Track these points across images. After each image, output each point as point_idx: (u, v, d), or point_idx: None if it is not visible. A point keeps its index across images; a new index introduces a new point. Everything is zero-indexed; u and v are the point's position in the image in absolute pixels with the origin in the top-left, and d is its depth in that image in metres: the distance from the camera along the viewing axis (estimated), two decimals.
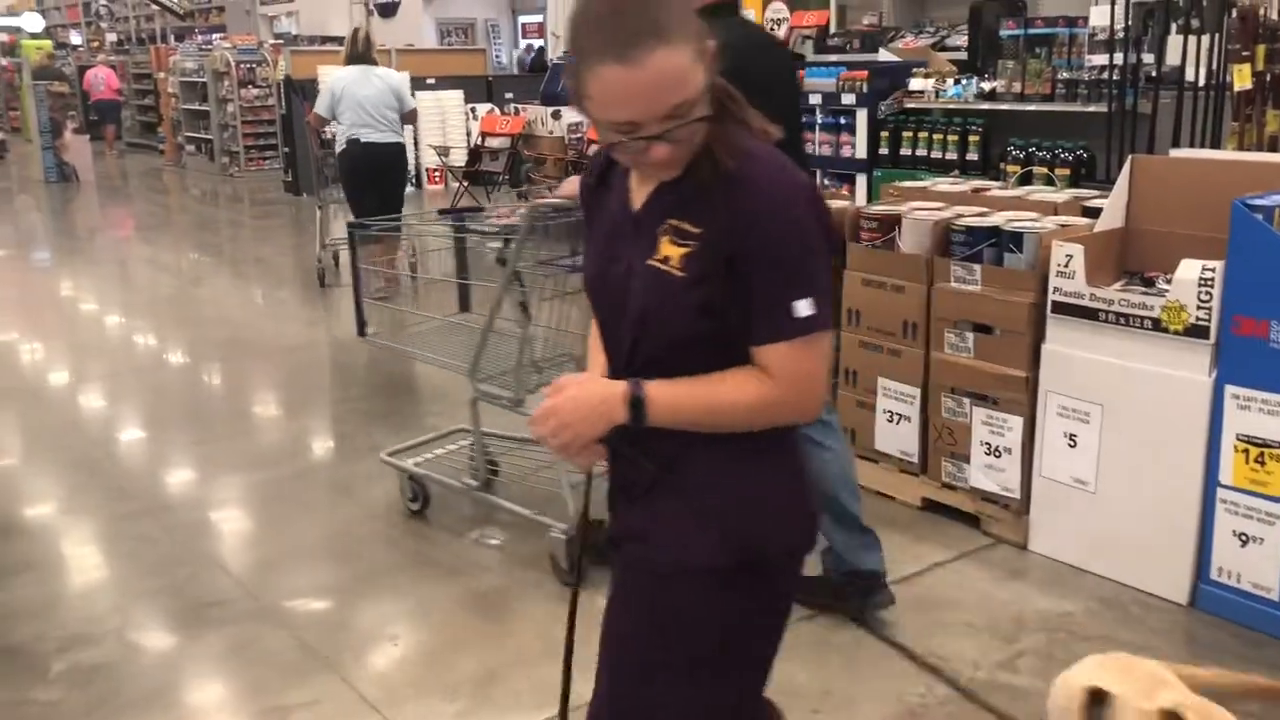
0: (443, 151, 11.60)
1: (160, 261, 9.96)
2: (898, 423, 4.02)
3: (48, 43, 22.52)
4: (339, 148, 7.45)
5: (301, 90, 12.22)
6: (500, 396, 3.64)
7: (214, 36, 20.20)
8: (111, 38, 24.35)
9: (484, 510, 4.04)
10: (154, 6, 21.48)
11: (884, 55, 8.39)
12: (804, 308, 1.49)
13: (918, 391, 3.94)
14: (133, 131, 20.29)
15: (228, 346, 6.58)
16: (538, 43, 19.81)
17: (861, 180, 6.78)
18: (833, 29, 11.60)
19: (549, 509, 3.61)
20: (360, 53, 7.44)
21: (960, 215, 3.90)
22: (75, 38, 26.33)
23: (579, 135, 10.19)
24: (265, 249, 10.38)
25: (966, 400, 3.78)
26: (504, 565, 3.71)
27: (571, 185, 3.43)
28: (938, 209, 4.04)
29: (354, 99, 7.22)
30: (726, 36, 1.64)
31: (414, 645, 3.26)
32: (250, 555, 3.90)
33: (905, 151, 6.64)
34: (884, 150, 6.72)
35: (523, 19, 20.81)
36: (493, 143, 10.82)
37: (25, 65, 16.77)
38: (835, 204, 4.32)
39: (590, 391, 1.58)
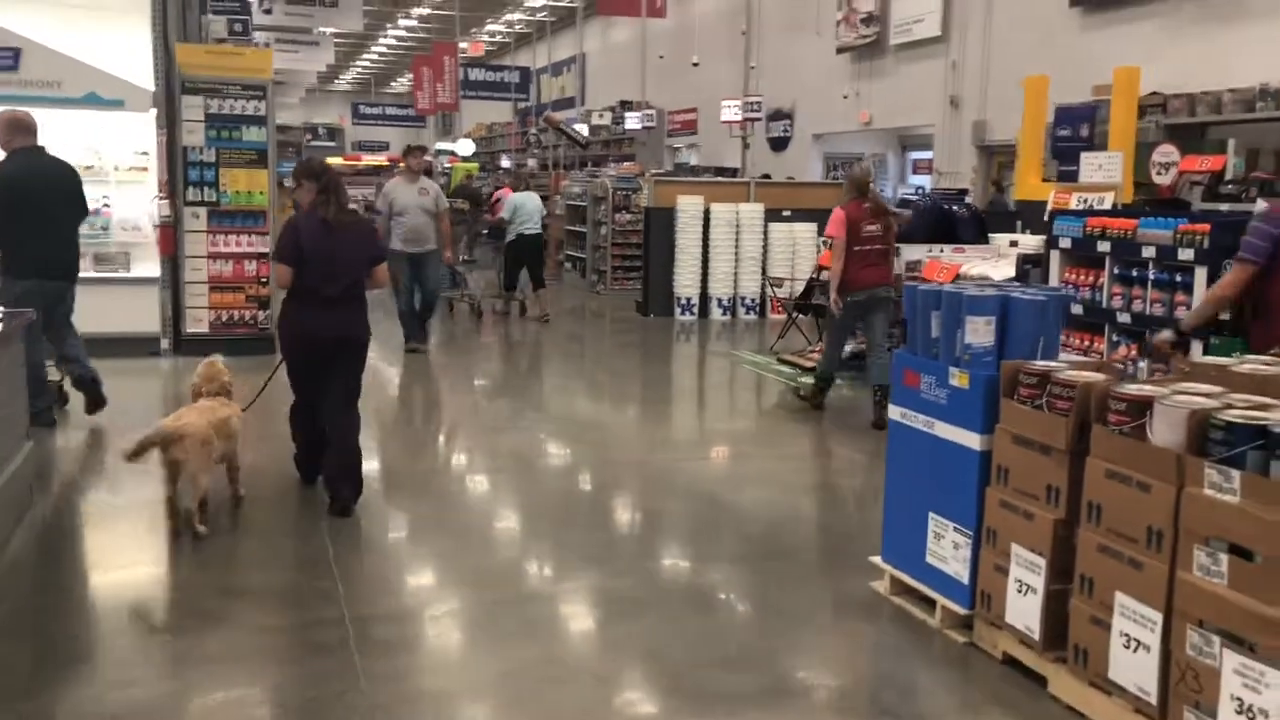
0: (775, 283, 11.53)
1: (512, 364, 10.64)
2: (1135, 650, 3.27)
3: (475, 165, 25.26)
4: (509, 238, 13.13)
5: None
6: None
7: (619, 164, 21.65)
8: (532, 163, 26.81)
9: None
10: (564, 137, 23.47)
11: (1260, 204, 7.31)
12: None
13: (1159, 617, 3.18)
14: None
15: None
16: (924, 180, 19.45)
17: (1197, 349, 5.81)
18: (1229, 175, 10.37)
19: None
20: (524, 185, 13.90)
21: (1230, 406, 3.15)
22: (505, 162, 29.30)
23: (915, 274, 9.70)
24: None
25: (1216, 639, 2.99)
26: None
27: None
28: (1208, 394, 3.30)
29: (525, 208, 13.03)
30: (11, 164, 6.74)
31: None
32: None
33: None
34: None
35: (913, 155, 20.56)
36: (827, 275, 10.55)
37: (448, 183, 18.79)
38: (1079, 377, 3.65)
39: None
